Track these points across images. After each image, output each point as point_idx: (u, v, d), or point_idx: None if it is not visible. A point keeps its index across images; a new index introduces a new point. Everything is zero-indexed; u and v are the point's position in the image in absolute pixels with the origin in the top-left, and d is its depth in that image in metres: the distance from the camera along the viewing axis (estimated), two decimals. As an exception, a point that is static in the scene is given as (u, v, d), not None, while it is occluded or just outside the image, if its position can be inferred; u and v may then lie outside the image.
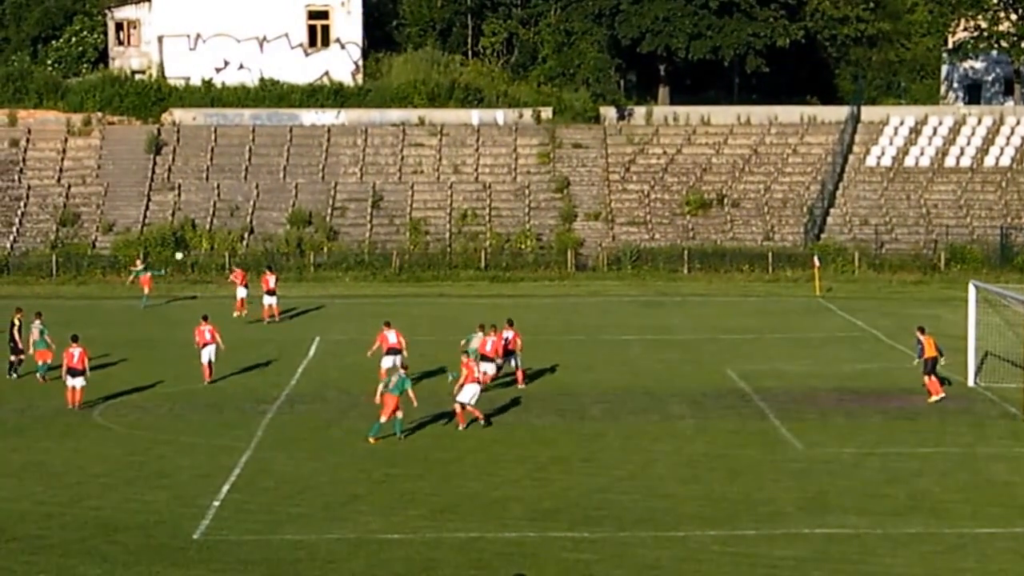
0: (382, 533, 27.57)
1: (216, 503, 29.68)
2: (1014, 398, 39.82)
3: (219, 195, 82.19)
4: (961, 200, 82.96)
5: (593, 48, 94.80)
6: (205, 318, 43.96)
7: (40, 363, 43.57)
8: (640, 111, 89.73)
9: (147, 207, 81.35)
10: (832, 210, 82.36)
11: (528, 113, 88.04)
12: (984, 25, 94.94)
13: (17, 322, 45.16)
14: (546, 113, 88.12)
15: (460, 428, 36.95)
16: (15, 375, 44.73)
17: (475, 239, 79.73)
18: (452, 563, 25.86)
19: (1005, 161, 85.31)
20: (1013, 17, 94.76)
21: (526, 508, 29.49)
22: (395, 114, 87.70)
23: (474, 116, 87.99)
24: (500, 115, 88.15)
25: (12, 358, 45.03)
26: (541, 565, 25.80)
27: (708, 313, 61.08)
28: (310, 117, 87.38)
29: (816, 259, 70.85)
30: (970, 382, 43.09)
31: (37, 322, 44.11)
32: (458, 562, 25.92)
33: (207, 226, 79.90)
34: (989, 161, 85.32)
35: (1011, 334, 45.78)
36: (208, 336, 43.22)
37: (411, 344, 43.75)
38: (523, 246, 79.19)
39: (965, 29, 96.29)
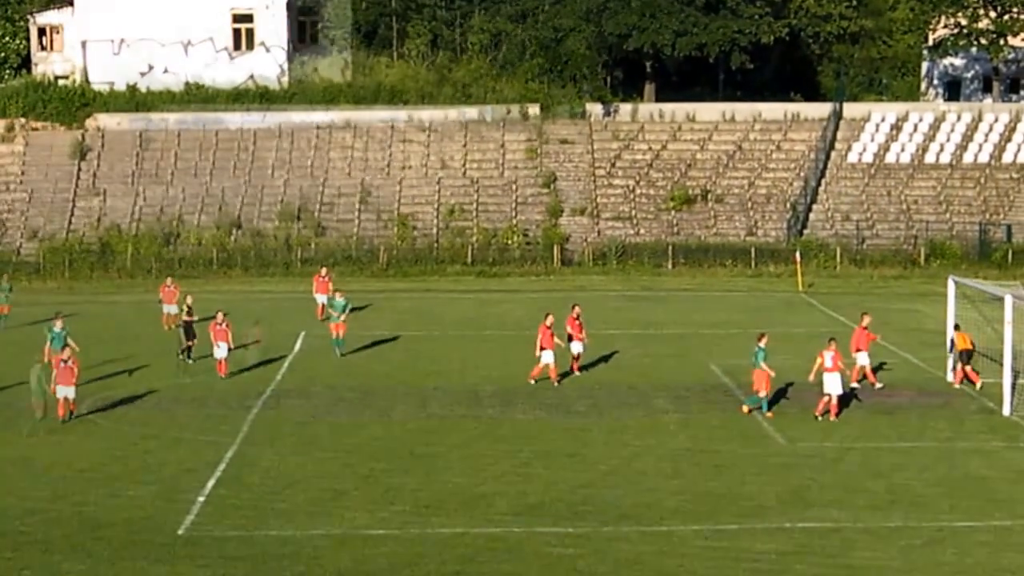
0: (367, 529, 27.77)
1: (201, 498, 29.83)
2: (992, 393, 40.08)
3: (145, 200, 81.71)
4: (941, 196, 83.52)
5: (580, 45, 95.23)
6: (224, 314, 44.36)
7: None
8: (626, 108, 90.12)
9: (72, 213, 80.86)
10: (815, 206, 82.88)
11: (516, 109, 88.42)
12: (964, 23, 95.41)
13: (186, 308, 46.44)
14: (533, 109, 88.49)
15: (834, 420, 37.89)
16: (191, 360, 45.96)
17: (462, 234, 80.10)
18: (437, 558, 26.03)
19: (984, 157, 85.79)
20: (992, 15, 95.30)
21: (510, 503, 29.69)
22: (385, 113, 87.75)
23: (462, 112, 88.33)
24: (488, 111, 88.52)
25: (189, 343, 46.17)
26: (525, 560, 26.01)
27: (692, 308, 61.45)
28: (236, 120, 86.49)
29: (797, 255, 71.35)
30: (949, 377, 43.30)
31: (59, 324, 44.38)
32: (443, 557, 26.09)
33: (132, 232, 79.16)
34: (968, 157, 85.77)
35: (989, 329, 46.08)
36: (214, 333, 43.78)
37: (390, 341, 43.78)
38: (510, 241, 79.58)
39: (945, 26, 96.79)
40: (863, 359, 42.10)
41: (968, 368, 42.34)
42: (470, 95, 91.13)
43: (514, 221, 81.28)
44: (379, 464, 33.02)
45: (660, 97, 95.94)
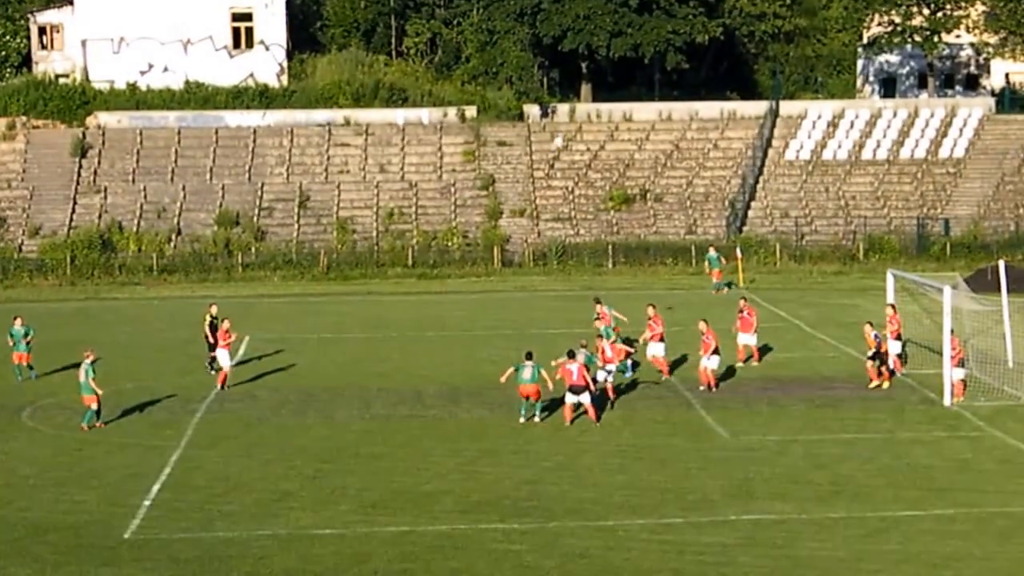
0: (313, 528, 27.76)
1: (147, 502, 29.73)
2: (933, 384, 40.42)
3: (146, 197, 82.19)
4: (879, 191, 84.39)
5: (515, 47, 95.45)
6: (223, 320, 43.70)
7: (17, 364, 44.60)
8: (563, 108, 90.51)
9: (73, 210, 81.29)
10: (753, 203, 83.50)
11: (452, 112, 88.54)
12: (898, 20, 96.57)
13: (208, 317, 45.16)
14: (470, 112, 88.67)
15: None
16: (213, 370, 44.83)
17: (402, 237, 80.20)
18: (383, 556, 26.04)
19: (920, 153, 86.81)
20: (925, 12, 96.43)
21: (456, 501, 29.72)
22: (320, 114, 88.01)
23: (399, 116, 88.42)
24: (425, 114, 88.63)
25: (211, 355, 44.99)
26: (472, 557, 26.03)
27: (634, 307, 61.48)
28: (235, 118, 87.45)
29: (738, 251, 71.80)
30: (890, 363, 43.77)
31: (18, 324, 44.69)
32: (389, 555, 26.09)
33: (134, 228, 79.92)
34: (905, 153, 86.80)
35: (928, 321, 46.55)
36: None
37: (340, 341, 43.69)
38: (450, 243, 79.74)
39: (879, 24, 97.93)
40: (893, 347, 43.02)
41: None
42: (406, 98, 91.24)
43: (453, 223, 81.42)
44: (325, 465, 32.99)
45: (597, 97, 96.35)
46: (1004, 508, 28.75)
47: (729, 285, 66.70)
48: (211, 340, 44.90)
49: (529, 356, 36.79)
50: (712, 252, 68.61)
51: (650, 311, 43.97)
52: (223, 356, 42.76)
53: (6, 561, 26.05)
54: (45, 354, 47.55)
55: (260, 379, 44.44)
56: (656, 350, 43.46)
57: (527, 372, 36.48)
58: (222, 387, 42.37)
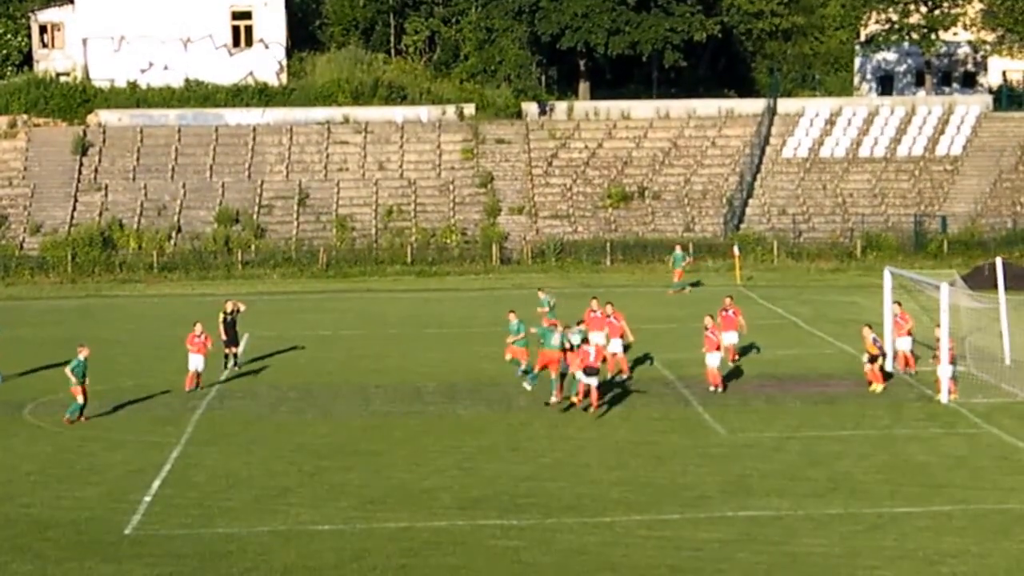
0: (313, 525, 27.87)
1: (147, 498, 29.82)
2: (930, 380, 40.53)
3: (146, 195, 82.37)
4: (876, 189, 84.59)
5: (514, 45, 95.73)
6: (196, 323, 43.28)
7: None
8: (561, 106, 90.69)
9: (74, 208, 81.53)
10: (751, 200, 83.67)
11: (451, 110, 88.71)
12: (895, 18, 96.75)
13: (223, 315, 45.07)
14: (469, 109, 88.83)
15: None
16: (237, 367, 45.02)
17: (401, 234, 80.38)
18: (382, 552, 26.11)
19: (918, 150, 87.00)
20: (923, 9, 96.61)
21: (455, 497, 29.78)
22: (320, 112, 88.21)
23: (398, 113, 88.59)
24: (423, 112, 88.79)
25: (227, 351, 45.03)
26: (470, 553, 26.09)
27: (632, 304, 61.71)
28: (235, 116, 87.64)
29: (736, 249, 71.98)
30: (888, 366, 43.64)
31: None
32: (388, 551, 26.15)
33: (135, 226, 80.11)
34: (902, 151, 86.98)
35: (926, 319, 46.68)
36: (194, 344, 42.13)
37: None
38: (448, 240, 79.92)
39: (877, 22, 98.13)
40: (904, 344, 43.15)
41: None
42: (405, 96, 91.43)
43: (452, 221, 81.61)
44: (324, 461, 33.11)
45: (595, 95, 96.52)
46: (1000, 504, 28.88)
47: (693, 285, 66.72)
48: (225, 337, 45.01)
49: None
50: (678, 251, 68.46)
51: (608, 308, 43.71)
52: (194, 360, 42.03)
53: (8, 557, 26.13)
54: (46, 351, 47.73)
55: (260, 376, 44.60)
56: (615, 347, 43.14)
57: (555, 338, 36.73)
58: (192, 389, 41.88)
